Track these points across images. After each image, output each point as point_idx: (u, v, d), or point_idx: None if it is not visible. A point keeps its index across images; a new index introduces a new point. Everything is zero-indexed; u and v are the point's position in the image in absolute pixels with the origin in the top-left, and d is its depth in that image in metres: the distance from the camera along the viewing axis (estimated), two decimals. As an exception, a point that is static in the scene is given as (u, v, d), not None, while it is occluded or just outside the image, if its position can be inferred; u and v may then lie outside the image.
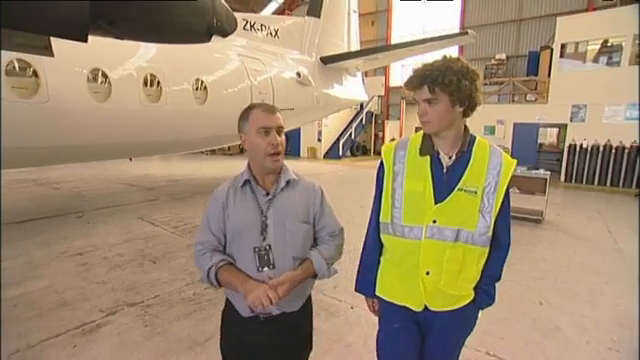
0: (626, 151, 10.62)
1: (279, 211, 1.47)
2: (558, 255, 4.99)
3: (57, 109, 4.87)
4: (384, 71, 21.13)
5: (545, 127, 13.50)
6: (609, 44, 11.46)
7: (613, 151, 10.85)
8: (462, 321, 1.53)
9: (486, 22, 18.15)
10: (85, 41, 2.30)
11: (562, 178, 11.89)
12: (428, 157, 1.42)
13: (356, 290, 1.69)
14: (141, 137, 6.22)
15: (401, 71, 19.46)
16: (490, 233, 1.42)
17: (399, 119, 20.52)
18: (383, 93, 21.29)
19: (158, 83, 6.14)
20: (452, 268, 1.42)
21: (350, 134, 19.30)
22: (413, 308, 1.48)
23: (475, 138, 1.44)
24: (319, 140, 18.72)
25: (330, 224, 1.60)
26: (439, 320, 1.50)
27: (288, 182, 1.51)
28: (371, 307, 1.69)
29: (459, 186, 1.37)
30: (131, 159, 8.56)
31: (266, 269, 1.43)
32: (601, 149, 11.02)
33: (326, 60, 10.82)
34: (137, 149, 6.82)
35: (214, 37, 3.03)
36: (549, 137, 16.52)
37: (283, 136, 1.49)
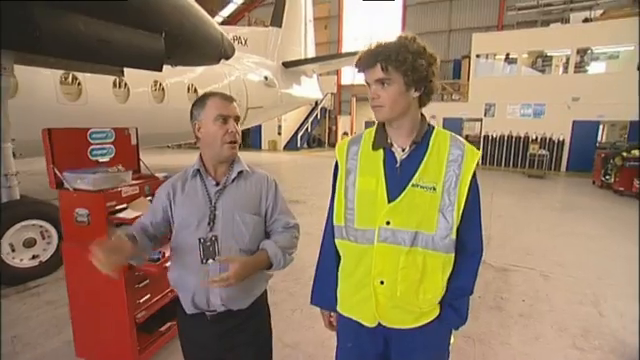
0: (521, 140, 13.82)
1: (229, 202, 1.42)
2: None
3: (93, 110, 6.48)
4: (336, 71, 23.43)
5: (468, 121, 16.54)
6: (510, 57, 14.65)
7: (513, 140, 14.04)
8: (428, 342, 1.30)
9: (422, 30, 20.96)
10: (160, 71, 4.17)
11: (480, 162, 14.89)
12: (381, 151, 1.26)
13: (312, 303, 1.49)
14: (151, 130, 7.85)
15: (351, 71, 21.88)
16: (454, 236, 1.21)
17: (350, 114, 23.01)
18: (335, 91, 23.62)
19: (162, 87, 7.83)
20: (410, 277, 1.22)
21: (307, 128, 21.39)
22: (365, 324, 1.30)
23: (433, 128, 1.27)
24: (279, 134, 20.59)
25: (284, 219, 1.53)
26: (400, 340, 1.30)
27: (240, 173, 1.46)
28: (326, 322, 1.51)
29: (413, 182, 1.20)
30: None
31: (210, 261, 1.37)
32: (505, 139, 14.18)
33: (287, 64, 12.84)
34: (149, 140, 8.41)
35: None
36: (476, 129, 19.82)
37: (239, 126, 1.46)
